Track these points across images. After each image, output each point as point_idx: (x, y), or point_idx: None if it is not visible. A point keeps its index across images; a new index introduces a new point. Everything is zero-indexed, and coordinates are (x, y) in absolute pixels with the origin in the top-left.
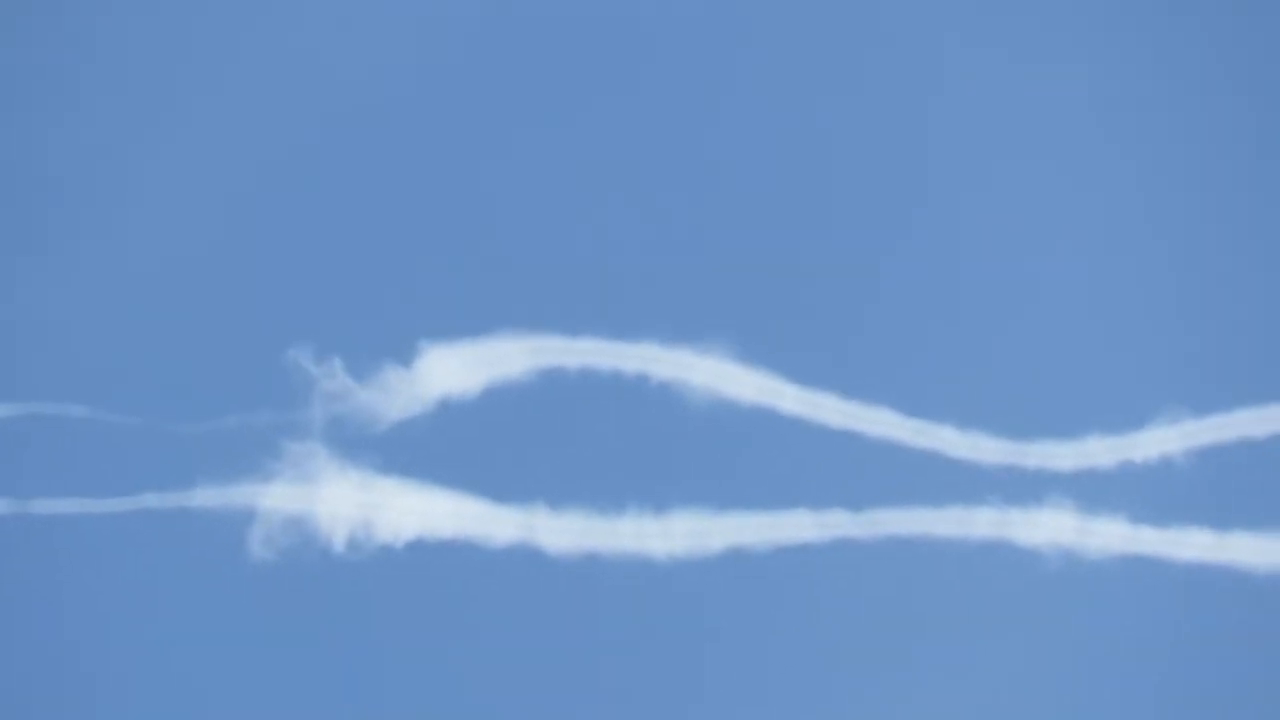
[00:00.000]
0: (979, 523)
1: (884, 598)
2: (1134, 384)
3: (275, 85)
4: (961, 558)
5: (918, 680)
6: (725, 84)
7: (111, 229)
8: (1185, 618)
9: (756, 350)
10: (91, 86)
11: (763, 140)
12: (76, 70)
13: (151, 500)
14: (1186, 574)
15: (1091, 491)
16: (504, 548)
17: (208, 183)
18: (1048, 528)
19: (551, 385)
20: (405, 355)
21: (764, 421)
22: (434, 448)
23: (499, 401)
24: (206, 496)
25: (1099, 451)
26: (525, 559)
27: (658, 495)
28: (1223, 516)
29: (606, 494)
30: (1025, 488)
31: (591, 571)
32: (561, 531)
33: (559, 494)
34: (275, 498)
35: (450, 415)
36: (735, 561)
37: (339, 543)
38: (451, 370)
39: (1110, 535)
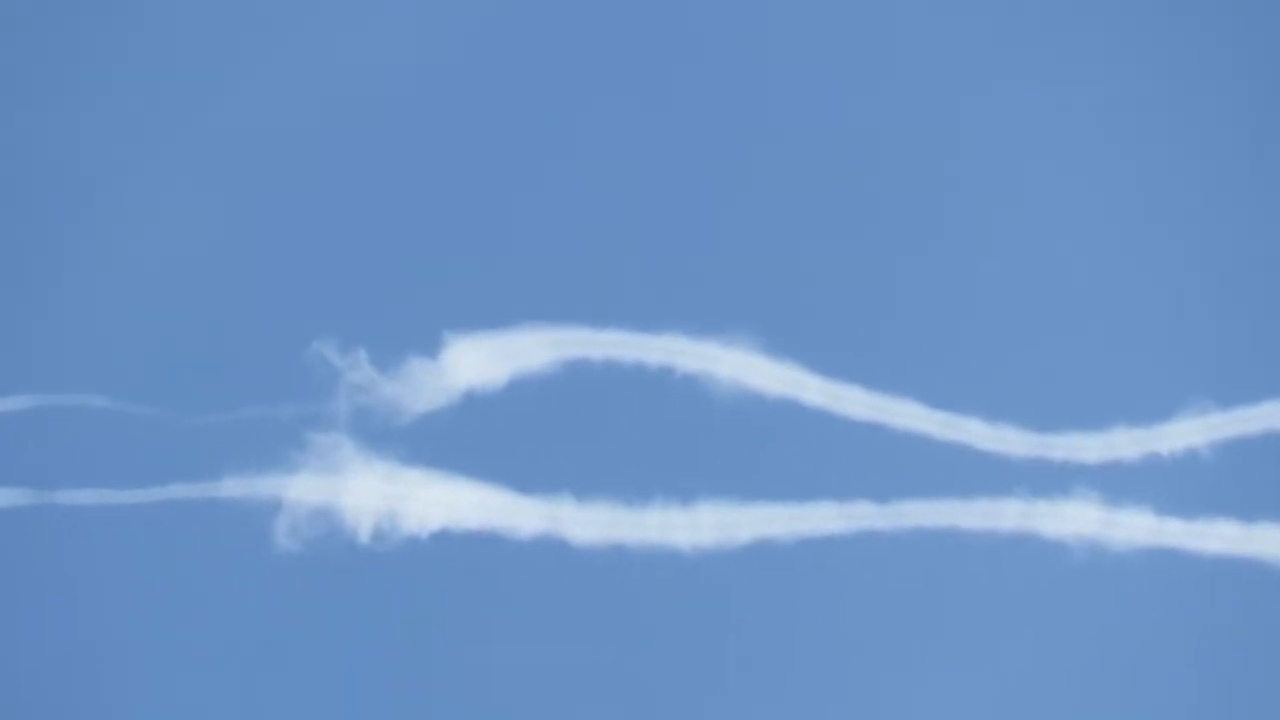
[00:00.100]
0: (1005, 515)
1: (909, 590)
2: (1160, 376)
3: (301, 72)
4: (987, 550)
5: (942, 672)
6: (751, 75)
7: (136, 219)
8: (1211, 610)
9: (782, 343)
10: (110, 72)
11: (788, 133)
12: (92, 54)
13: (177, 491)
14: (1212, 566)
15: (1117, 484)
16: (529, 539)
17: (233, 173)
18: (1073, 520)
19: (576, 377)
20: (430, 347)
21: (789, 414)
22: (459, 439)
23: (524, 393)
24: (232, 488)
25: (1125, 444)
26: (551, 550)
27: (683, 487)
28: (1249, 509)
29: (632, 486)
30: (1051, 480)
31: (617, 563)
32: (587, 523)
33: (584, 486)
34: (300, 489)
35: (475, 407)
36: (761, 553)
37: (364, 534)
38: (476, 362)
39: (1136, 527)
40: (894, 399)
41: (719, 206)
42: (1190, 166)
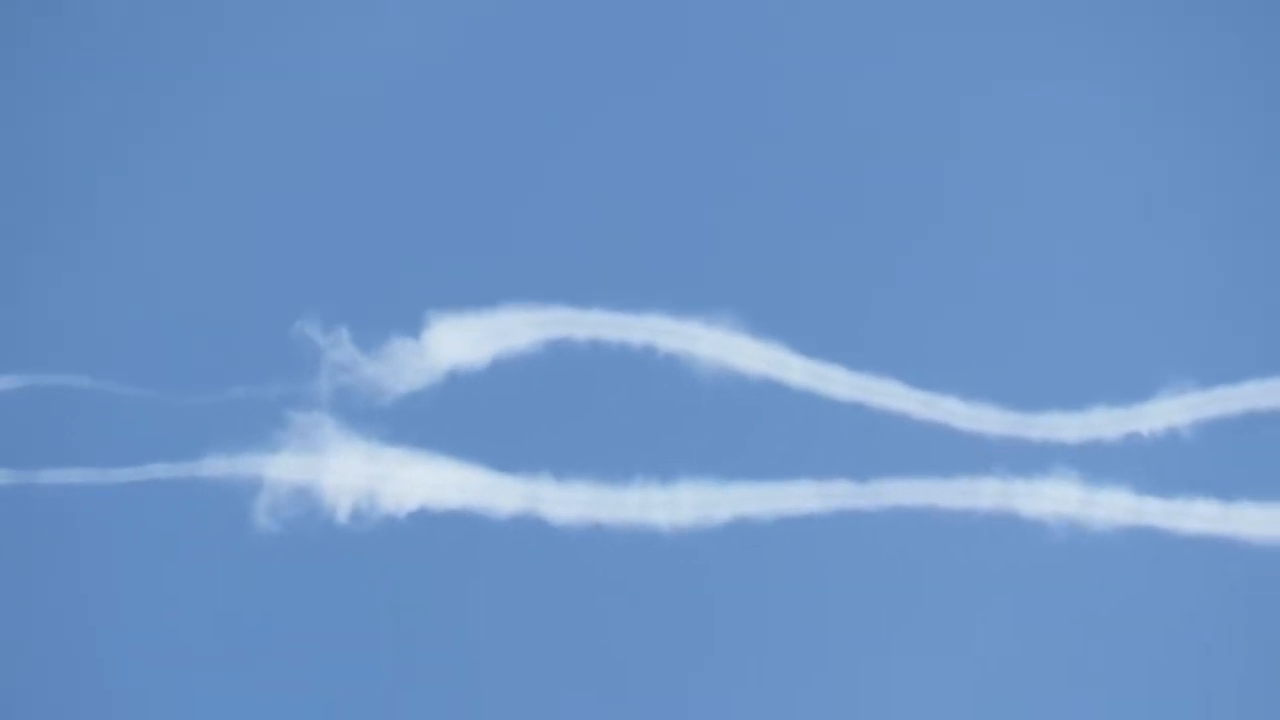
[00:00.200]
0: (984, 494)
1: (888, 569)
2: (1140, 356)
3: (282, 54)
4: (966, 529)
5: (921, 651)
6: (732, 55)
7: (118, 200)
8: (1190, 589)
9: (764, 322)
10: (94, 58)
11: (771, 114)
12: (76, 42)
13: (158, 471)
14: (1192, 545)
15: (1097, 463)
16: (508, 518)
17: (216, 154)
18: (1053, 499)
19: (559, 357)
20: (413, 327)
21: (771, 393)
22: (441, 419)
23: (507, 373)
24: (213, 467)
25: (1104, 423)
26: (530, 530)
27: (664, 466)
28: (1228, 488)
29: (613, 465)
30: (1030, 459)
31: (596, 542)
32: (567, 502)
33: (565, 465)
34: (281, 468)
35: (458, 387)
36: (741, 532)
37: (344, 513)
38: (459, 342)
39: (1115, 507)
40: (875, 379)
41: (702, 187)
42: (1168, 147)
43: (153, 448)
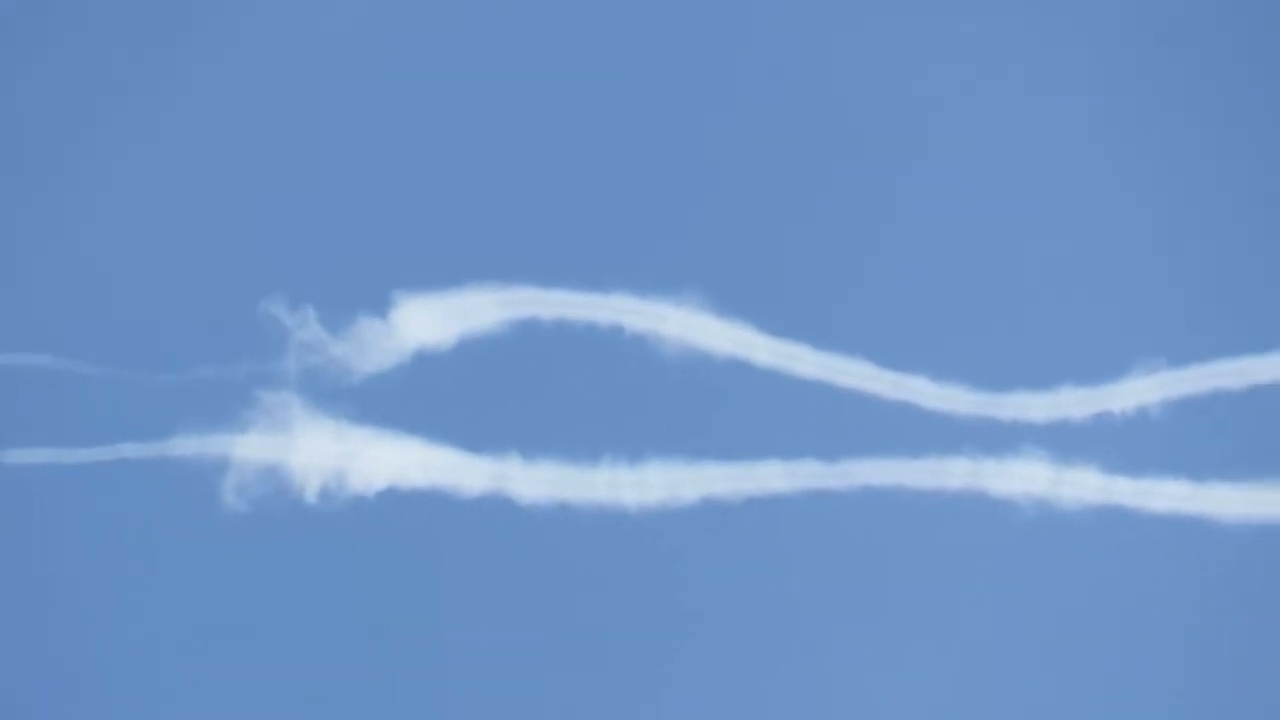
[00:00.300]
0: (953, 474)
1: (858, 548)
2: (1110, 335)
3: (248, 34)
4: (935, 508)
5: (892, 631)
6: (696, 37)
7: (82, 179)
8: (1160, 568)
9: (732, 303)
10: (57, 37)
11: (739, 93)
12: (40, 24)
13: (126, 451)
14: (1161, 525)
15: (1066, 442)
16: (475, 498)
17: (181, 132)
18: (1022, 479)
19: (526, 337)
20: (380, 307)
21: (738, 373)
22: (409, 399)
23: (473, 353)
24: (181, 446)
25: (1074, 403)
26: (497, 509)
27: (632, 446)
28: (1198, 468)
29: (580, 445)
30: (1000, 439)
31: (564, 521)
32: (534, 482)
33: (533, 445)
34: (249, 448)
35: (425, 366)
36: (709, 512)
37: (312, 492)
38: (426, 322)
39: (1085, 486)
40: (843, 358)
41: (668, 166)
42: (1136, 128)
43: (120, 427)
